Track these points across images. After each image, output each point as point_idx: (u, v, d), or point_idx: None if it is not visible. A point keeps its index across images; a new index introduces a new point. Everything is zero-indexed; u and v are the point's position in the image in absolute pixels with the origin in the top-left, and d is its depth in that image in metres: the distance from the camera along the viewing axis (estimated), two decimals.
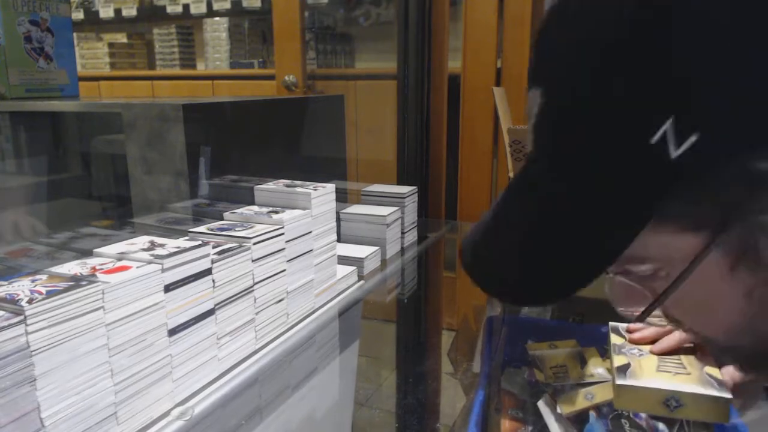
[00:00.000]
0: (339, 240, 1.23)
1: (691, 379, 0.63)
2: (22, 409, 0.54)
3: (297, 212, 0.95)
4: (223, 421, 0.74)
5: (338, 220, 1.18)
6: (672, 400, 0.61)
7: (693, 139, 0.37)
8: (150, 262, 0.68)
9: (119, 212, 1.32)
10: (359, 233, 1.32)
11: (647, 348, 0.69)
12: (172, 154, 0.98)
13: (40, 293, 0.56)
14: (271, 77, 2.48)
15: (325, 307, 1.05)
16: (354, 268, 1.18)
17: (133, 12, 3.21)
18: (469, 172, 2.06)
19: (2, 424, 0.52)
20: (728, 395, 0.60)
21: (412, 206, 1.44)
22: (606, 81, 0.40)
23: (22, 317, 0.53)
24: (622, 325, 0.75)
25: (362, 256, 1.21)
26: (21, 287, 0.58)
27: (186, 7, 3.08)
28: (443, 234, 1.71)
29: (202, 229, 0.88)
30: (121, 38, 3.39)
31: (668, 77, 0.37)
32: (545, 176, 0.46)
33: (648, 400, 0.62)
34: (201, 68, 3.28)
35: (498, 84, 1.99)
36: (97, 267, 0.66)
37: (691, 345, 0.69)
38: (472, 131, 2.03)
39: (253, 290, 0.85)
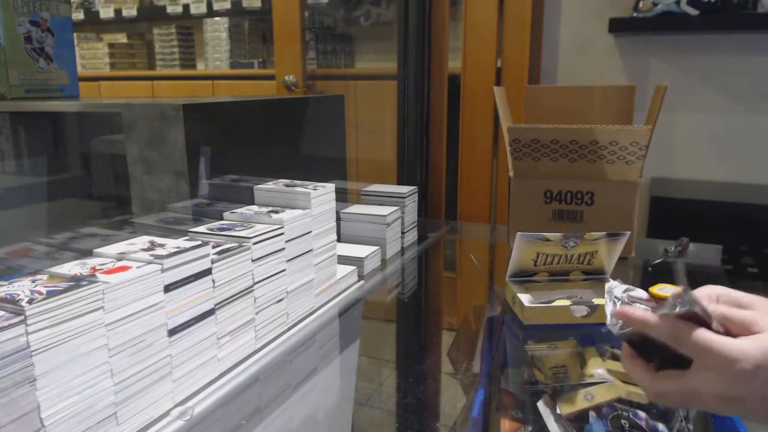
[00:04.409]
0: (339, 240, 1.23)
1: None
2: (22, 409, 0.54)
3: (297, 212, 0.95)
4: (223, 421, 0.74)
5: (338, 220, 1.18)
6: None
7: None
8: (150, 262, 0.68)
9: (119, 212, 1.32)
10: (359, 233, 1.32)
11: None
12: (172, 154, 0.99)
13: (41, 293, 0.56)
14: (271, 77, 2.48)
15: (325, 307, 1.05)
16: (354, 268, 1.18)
17: (133, 12, 3.21)
18: (469, 172, 2.06)
19: (2, 424, 0.52)
20: None
21: (412, 206, 1.44)
22: None
23: (22, 317, 0.53)
24: None
25: (362, 256, 1.21)
26: (21, 287, 0.58)
27: (186, 7, 3.08)
28: (443, 234, 1.71)
29: (202, 229, 0.88)
30: (121, 38, 3.39)
31: None
32: None
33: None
34: (201, 68, 3.29)
35: (498, 84, 2.00)
36: (97, 267, 0.66)
37: None
38: (472, 131, 2.03)
39: (253, 290, 0.85)
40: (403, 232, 1.41)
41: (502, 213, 2.07)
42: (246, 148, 1.17)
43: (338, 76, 2.85)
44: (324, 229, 1.03)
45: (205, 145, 1.03)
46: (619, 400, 0.73)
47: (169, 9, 3.12)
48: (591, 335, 0.85)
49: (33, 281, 0.60)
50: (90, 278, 0.62)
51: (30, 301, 0.54)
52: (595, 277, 1.04)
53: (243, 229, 0.87)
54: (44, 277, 0.62)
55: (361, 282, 1.19)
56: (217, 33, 3.06)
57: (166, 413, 0.71)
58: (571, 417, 0.70)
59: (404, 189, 1.43)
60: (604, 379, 0.75)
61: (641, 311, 0.53)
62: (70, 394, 0.58)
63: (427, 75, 1.90)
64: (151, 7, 3.23)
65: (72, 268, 0.65)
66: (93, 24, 3.39)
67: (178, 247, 0.73)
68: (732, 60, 1.91)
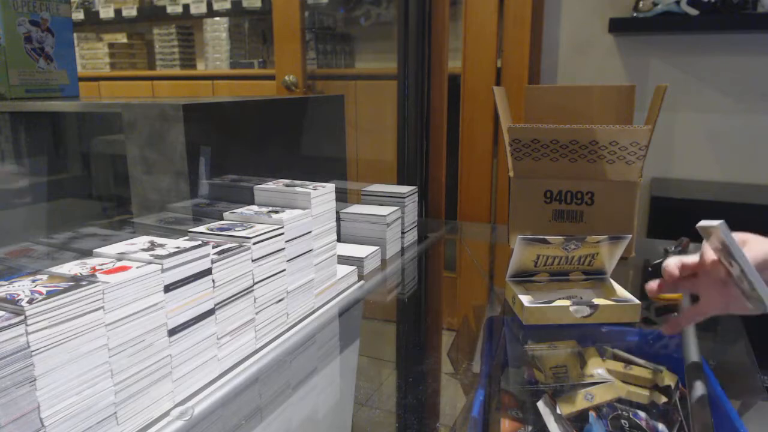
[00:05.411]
0: (339, 240, 1.23)
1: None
2: (22, 409, 0.54)
3: (297, 212, 0.95)
4: (223, 421, 0.74)
5: (338, 220, 1.18)
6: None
7: None
8: (150, 263, 0.68)
9: (119, 212, 1.32)
10: (359, 233, 1.32)
11: None
12: (172, 154, 0.99)
13: (41, 293, 0.56)
14: (271, 77, 2.48)
15: (325, 307, 1.05)
16: (354, 268, 1.18)
17: (133, 12, 3.21)
18: (469, 171, 2.06)
19: (2, 424, 0.52)
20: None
21: (412, 206, 1.44)
22: None
23: (22, 317, 0.53)
24: None
25: (362, 256, 1.21)
26: (21, 287, 0.58)
27: (186, 7, 3.08)
28: (443, 234, 1.71)
29: (202, 229, 0.88)
30: (121, 38, 3.39)
31: None
32: None
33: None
34: (201, 68, 3.29)
35: (498, 84, 1.99)
36: (97, 267, 0.66)
37: None
38: (472, 131, 2.03)
39: (253, 290, 0.85)
40: (403, 232, 1.41)
41: (502, 213, 2.07)
42: (246, 148, 1.17)
43: (338, 76, 2.85)
44: (324, 229, 1.03)
45: (205, 145, 1.03)
46: (619, 400, 0.73)
47: (169, 9, 3.12)
48: (591, 335, 0.85)
49: (33, 281, 0.60)
50: (90, 278, 0.62)
51: (30, 301, 0.54)
52: (595, 277, 1.04)
53: (243, 229, 0.87)
54: (44, 277, 0.62)
55: (361, 282, 1.19)
56: (217, 33, 3.06)
57: (166, 413, 0.71)
58: (571, 417, 0.70)
59: (404, 189, 1.43)
60: (604, 379, 0.75)
61: None
62: (70, 394, 0.58)
63: (427, 75, 1.90)
64: (151, 7, 3.23)
65: (72, 268, 0.65)
66: (93, 24, 3.39)
67: (178, 247, 0.73)
68: (732, 60, 1.91)
